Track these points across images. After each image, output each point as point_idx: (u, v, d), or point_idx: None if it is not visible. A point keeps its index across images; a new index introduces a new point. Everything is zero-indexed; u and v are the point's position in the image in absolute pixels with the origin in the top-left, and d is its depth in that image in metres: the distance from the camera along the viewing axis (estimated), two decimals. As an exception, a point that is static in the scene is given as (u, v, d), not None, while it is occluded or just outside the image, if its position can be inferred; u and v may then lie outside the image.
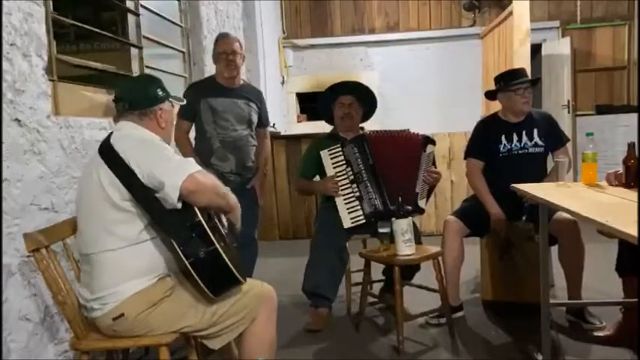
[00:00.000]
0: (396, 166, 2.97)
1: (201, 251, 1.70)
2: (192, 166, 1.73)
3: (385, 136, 3.07)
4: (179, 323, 1.79)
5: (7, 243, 1.97)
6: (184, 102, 2.23)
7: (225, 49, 3.07)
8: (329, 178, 2.98)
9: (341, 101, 3.12)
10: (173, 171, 1.69)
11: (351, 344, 2.76)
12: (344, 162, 2.98)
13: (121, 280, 1.74)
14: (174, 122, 2.08)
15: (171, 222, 1.71)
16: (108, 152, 1.76)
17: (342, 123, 3.14)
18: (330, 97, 3.16)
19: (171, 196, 1.66)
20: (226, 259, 1.73)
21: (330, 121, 3.25)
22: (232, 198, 1.89)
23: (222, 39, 3.15)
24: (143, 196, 1.71)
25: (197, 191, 1.70)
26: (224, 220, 1.98)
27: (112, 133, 1.87)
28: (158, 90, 1.95)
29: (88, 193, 1.79)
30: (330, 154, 3.00)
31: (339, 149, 2.99)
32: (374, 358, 2.60)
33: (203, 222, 1.72)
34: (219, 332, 1.84)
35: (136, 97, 1.91)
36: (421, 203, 3.02)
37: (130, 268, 1.75)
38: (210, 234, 1.72)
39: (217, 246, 1.72)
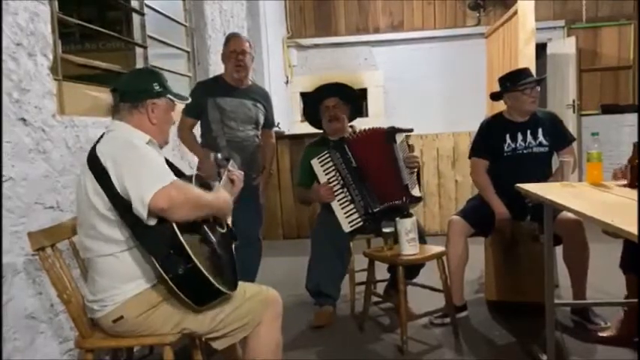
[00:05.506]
0: (377, 165, 2.96)
1: (180, 268, 1.63)
2: (164, 179, 1.62)
3: (361, 137, 3.06)
4: (180, 326, 1.79)
5: (12, 242, 1.98)
6: (189, 100, 2.13)
7: (235, 48, 3.07)
8: (321, 185, 2.99)
9: (325, 104, 3.11)
10: (143, 184, 1.60)
11: (354, 344, 2.76)
12: (333, 167, 2.99)
13: (119, 283, 1.73)
14: (174, 122, 2.00)
15: (148, 236, 1.65)
16: (92, 159, 1.72)
17: (330, 126, 3.13)
18: (315, 102, 3.16)
19: (140, 211, 1.60)
20: (207, 275, 1.66)
21: (318, 126, 3.24)
22: (216, 203, 1.81)
23: (233, 38, 3.15)
24: (122, 206, 1.65)
25: (169, 208, 1.60)
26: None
27: (103, 135, 1.83)
28: (155, 84, 1.87)
29: (79, 200, 1.79)
30: (320, 162, 3.01)
31: (327, 155, 3.00)
32: (378, 358, 2.60)
33: (180, 237, 1.63)
34: (222, 335, 1.83)
35: (129, 88, 1.87)
36: (415, 192, 2.99)
37: (126, 271, 1.74)
38: (189, 249, 1.63)
39: (196, 262, 1.63)
